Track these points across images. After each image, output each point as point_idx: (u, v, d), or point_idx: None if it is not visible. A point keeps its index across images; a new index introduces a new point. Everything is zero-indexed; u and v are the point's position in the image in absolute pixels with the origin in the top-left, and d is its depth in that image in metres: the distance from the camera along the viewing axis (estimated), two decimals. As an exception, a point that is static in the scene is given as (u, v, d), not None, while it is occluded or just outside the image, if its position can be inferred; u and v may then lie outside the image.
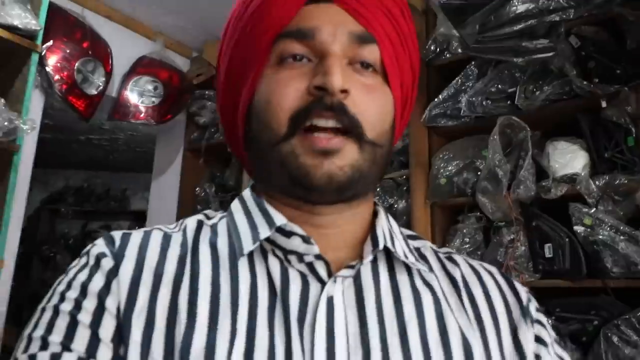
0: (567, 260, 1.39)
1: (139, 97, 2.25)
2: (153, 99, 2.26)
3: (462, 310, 0.48)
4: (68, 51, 1.96)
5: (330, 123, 0.44)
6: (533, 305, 0.52)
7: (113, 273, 0.44)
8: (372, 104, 0.46)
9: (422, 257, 0.52)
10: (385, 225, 0.50)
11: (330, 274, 0.45)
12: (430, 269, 0.51)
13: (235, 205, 0.53)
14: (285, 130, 0.44)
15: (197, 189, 2.45)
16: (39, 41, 1.53)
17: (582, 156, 1.46)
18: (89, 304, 0.42)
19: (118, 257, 0.45)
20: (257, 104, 0.47)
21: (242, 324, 0.42)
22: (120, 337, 0.41)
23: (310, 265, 0.46)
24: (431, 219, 1.70)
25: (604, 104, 1.40)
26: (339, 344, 0.42)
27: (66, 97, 1.96)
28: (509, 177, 1.51)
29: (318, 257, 0.45)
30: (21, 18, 1.47)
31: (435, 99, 1.74)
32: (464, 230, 1.62)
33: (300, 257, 0.46)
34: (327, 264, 0.45)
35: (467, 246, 1.60)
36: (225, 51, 0.52)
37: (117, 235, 0.48)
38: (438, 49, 1.77)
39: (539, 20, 1.28)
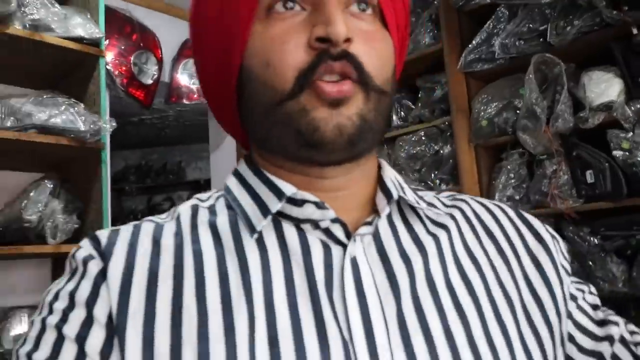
0: (608, 183, 1.49)
1: (189, 79, 2.42)
2: (202, 79, 2.43)
3: (479, 246, 0.48)
4: (123, 47, 2.14)
5: (334, 77, 0.41)
6: (546, 230, 0.52)
7: (101, 276, 0.41)
8: (375, 51, 0.44)
9: (430, 205, 0.50)
10: (392, 175, 0.49)
11: (348, 236, 0.44)
12: (443, 212, 0.50)
13: (232, 181, 0.49)
14: (291, 87, 0.41)
15: (253, 156, 2.64)
16: (103, 47, 1.70)
17: (617, 83, 1.52)
18: (76, 316, 0.40)
19: (106, 257, 0.42)
20: (251, 65, 0.43)
21: (260, 303, 0.40)
22: (111, 345, 0.39)
23: (327, 231, 0.44)
24: (476, 160, 1.82)
25: (635, 31, 1.45)
26: (371, 302, 0.41)
27: (127, 89, 2.16)
28: (547, 112, 1.60)
29: (334, 220, 0.44)
30: (85, 28, 1.65)
31: (469, 45, 1.81)
32: (508, 167, 1.73)
33: (315, 224, 0.44)
34: (343, 225, 0.44)
35: (512, 181, 1.72)
36: (204, 12, 0.47)
37: (103, 233, 0.44)
38: (467, -5, 1.83)
39: (562, -40, 1.34)
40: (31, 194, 1.51)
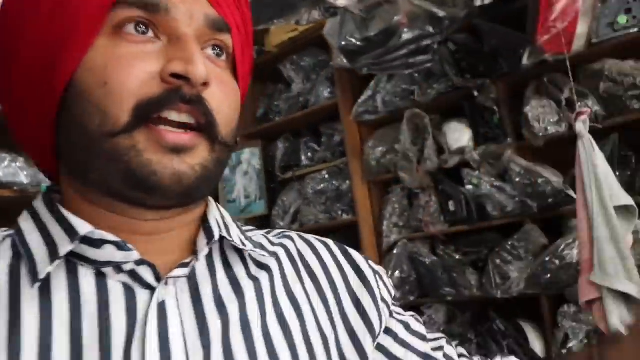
0: (464, 211, 1.91)
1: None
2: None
3: (300, 286, 0.47)
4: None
5: (184, 118, 0.39)
6: (369, 267, 0.53)
7: None
8: (227, 101, 0.42)
9: (258, 245, 0.48)
10: (217, 214, 0.46)
11: (160, 279, 0.40)
12: (269, 253, 0.48)
13: (24, 217, 0.42)
14: (126, 120, 0.37)
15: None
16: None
17: (467, 133, 1.97)
18: None
19: None
20: (84, 82, 0.38)
21: None
22: None
23: (133, 273, 0.40)
24: (369, 194, 2.20)
25: (476, 94, 1.91)
26: (176, 354, 0.38)
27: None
28: (418, 155, 2.02)
29: (140, 262, 0.39)
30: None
31: (359, 100, 2.21)
32: (393, 199, 2.13)
33: (117, 267, 0.39)
34: (152, 267, 0.40)
35: (397, 211, 2.11)
36: (28, 8, 0.40)
37: None
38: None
39: (417, 44, 1.76)
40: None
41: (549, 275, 1.65)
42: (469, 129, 1.97)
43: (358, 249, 2.15)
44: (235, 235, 0.46)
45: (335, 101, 2.27)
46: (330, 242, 0.54)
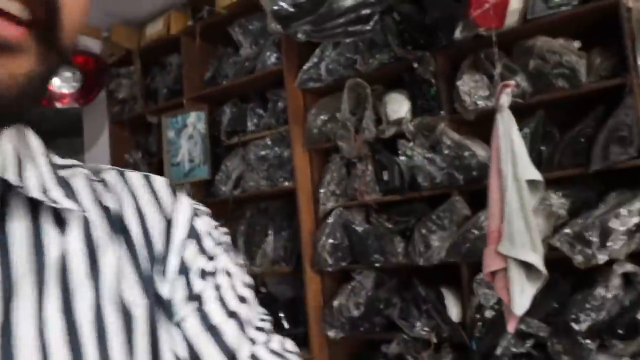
0: (397, 181, 1.95)
1: (60, 83, 2.59)
2: (74, 84, 2.60)
3: (108, 243, 0.35)
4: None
5: (14, 8, 0.28)
6: (188, 210, 0.40)
7: None
8: (83, 4, 0.32)
9: (71, 192, 0.36)
10: (9, 146, 0.34)
11: None
12: (79, 206, 0.35)
13: None
14: None
15: (126, 156, 2.85)
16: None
17: (406, 104, 1.99)
18: None
19: None
20: None
21: None
22: None
23: None
24: (309, 161, 2.22)
25: (415, 65, 1.92)
26: None
27: None
28: (356, 124, 2.03)
29: None
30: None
31: (304, 67, 2.20)
32: (332, 167, 2.15)
33: None
34: None
35: (335, 179, 2.14)
36: None
37: None
38: (303, 25, 2.21)
39: (357, 13, 1.75)
40: None
41: (468, 245, 1.70)
42: (408, 101, 1.99)
43: (296, 215, 2.18)
44: (33, 178, 0.34)
45: (281, 67, 2.26)
46: (160, 183, 0.41)
